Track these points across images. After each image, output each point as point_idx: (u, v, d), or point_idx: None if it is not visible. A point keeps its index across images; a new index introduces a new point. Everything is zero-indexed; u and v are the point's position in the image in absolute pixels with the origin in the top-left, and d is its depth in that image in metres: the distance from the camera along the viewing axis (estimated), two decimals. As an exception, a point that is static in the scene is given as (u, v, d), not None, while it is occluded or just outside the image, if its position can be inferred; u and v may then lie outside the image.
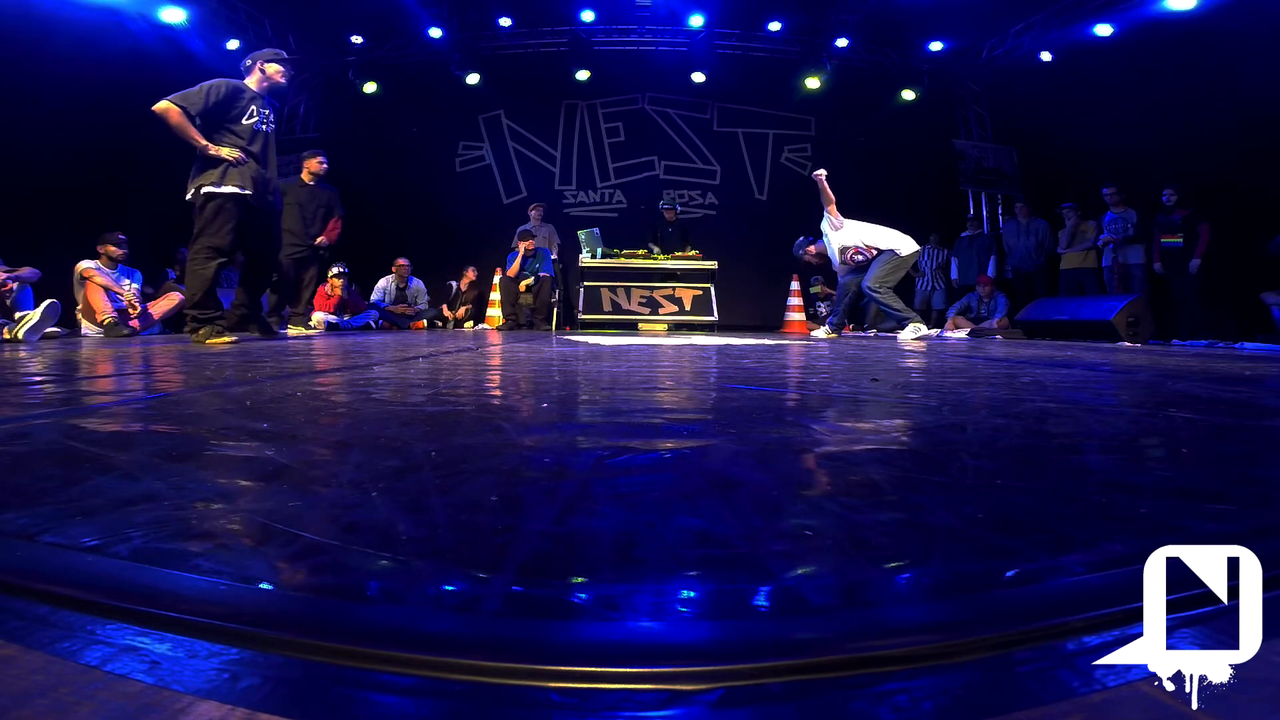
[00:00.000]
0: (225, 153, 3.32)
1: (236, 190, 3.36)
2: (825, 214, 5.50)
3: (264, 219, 3.63)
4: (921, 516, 0.53)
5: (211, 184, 3.32)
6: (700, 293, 7.55)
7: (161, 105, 3.25)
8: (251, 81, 3.59)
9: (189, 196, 3.39)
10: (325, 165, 5.25)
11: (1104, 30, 7.13)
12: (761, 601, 0.38)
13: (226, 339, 3.32)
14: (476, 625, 0.35)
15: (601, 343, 3.77)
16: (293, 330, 5.09)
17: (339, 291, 6.80)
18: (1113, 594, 0.38)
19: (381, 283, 7.54)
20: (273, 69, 3.61)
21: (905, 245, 5.50)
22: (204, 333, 3.31)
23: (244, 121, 3.45)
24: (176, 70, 6.73)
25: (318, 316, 5.95)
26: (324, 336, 4.78)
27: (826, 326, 6.01)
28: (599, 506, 0.57)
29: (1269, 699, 0.31)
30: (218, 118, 3.38)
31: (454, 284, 8.31)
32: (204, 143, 3.30)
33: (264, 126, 3.57)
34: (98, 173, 6.12)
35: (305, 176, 5.19)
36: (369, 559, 0.43)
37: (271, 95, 3.68)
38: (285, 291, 5.03)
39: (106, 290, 4.90)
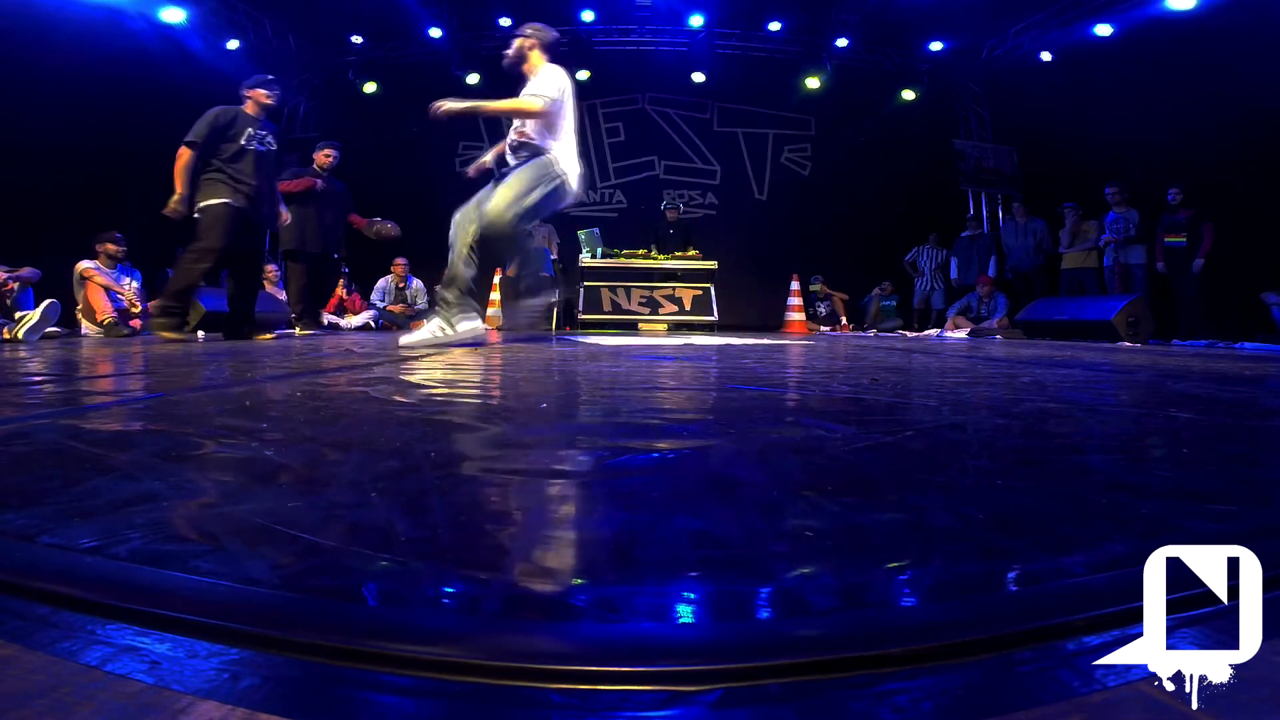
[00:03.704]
0: (172, 207, 3.62)
1: (225, 201, 3.68)
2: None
3: (252, 231, 3.93)
4: (921, 516, 0.53)
5: (203, 200, 3.68)
6: (700, 293, 7.56)
7: (180, 150, 3.64)
8: (247, 108, 3.91)
9: (195, 214, 3.73)
10: (331, 157, 5.21)
11: (1104, 30, 7.13)
12: (761, 601, 0.38)
13: (180, 335, 3.62)
14: (476, 625, 0.35)
15: (601, 343, 3.77)
16: (301, 331, 5.16)
17: (339, 291, 6.81)
18: (1113, 594, 0.38)
19: (381, 283, 7.54)
20: (260, 94, 3.93)
21: (568, 166, 3.13)
22: (162, 322, 3.64)
23: (232, 143, 3.76)
24: (176, 70, 6.75)
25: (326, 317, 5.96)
26: (323, 336, 4.78)
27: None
28: (599, 507, 0.57)
29: (1269, 699, 0.31)
30: (214, 141, 3.72)
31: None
32: (180, 193, 3.62)
33: (255, 146, 3.83)
34: (98, 173, 6.12)
35: (317, 168, 5.19)
36: (369, 559, 0.43)
37: (269, 118, 4.00)
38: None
39: (107, 290, 4.90)
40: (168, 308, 3.66)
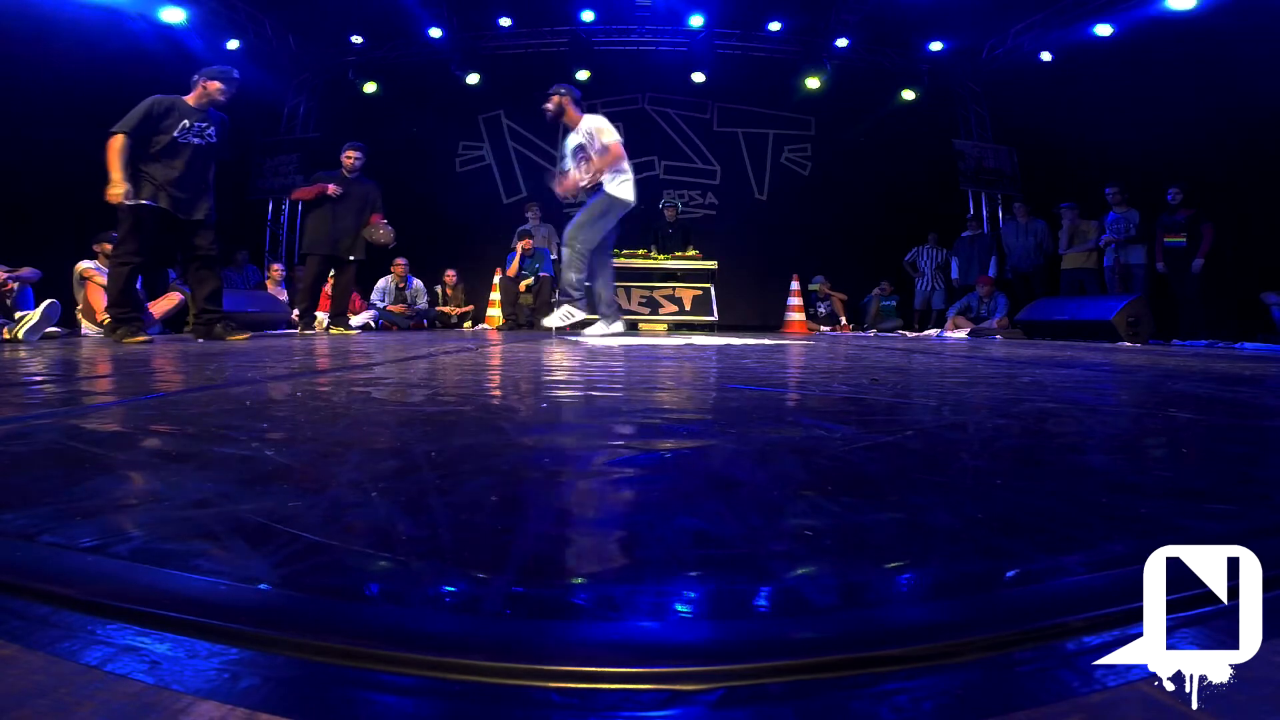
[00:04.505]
0: (114, 195, 3.55)
1: (142, 202, 3.59)
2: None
3: (192, 228, 3.81)
4: (921, 516, 0.53)
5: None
6: (700, 293, 7.55)
7: (111, 138, 3.55)
8: (190, 98, 3.78)
9: (119, 208, 3.64)
10: (353, 159, 5.18)
11: (1104, 30, 7.13)
12: (761, 601, 0.38)
13: (141, 338, 3.56)
14: (476, 625, 0.35)
15: (601, 342, 3.77)
16: (334, 331, 5.19)
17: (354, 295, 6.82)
18: (1113, 594, 0.38)
19: (381, 283, 7.54)
20: (214, 86, 3.80)
21: (626, 189, 4.20)
22: (120, 332, 3.58)
23: (164, 135, 3.64)
24: (176, 70, 6.74)
25: (320, 316, 5.95)
26: (324, 336, 4.77)
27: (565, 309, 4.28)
28: (599, 506, 0.57)
29: (1269, 699, 0.31)
30: (147, 132, 3.62)
31: (438, 288, 8.31)
32: (115, 178, 3.53)
33: (191, 139, 3.72)
34: (98, 173, 6.10)
35: (344, 171, 5.20)
36: (369, 559, 0.43)
37: (216, 108, 3.86)
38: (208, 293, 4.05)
39: (106, 290, 4.89)
40: (119, 316, 3.62)
